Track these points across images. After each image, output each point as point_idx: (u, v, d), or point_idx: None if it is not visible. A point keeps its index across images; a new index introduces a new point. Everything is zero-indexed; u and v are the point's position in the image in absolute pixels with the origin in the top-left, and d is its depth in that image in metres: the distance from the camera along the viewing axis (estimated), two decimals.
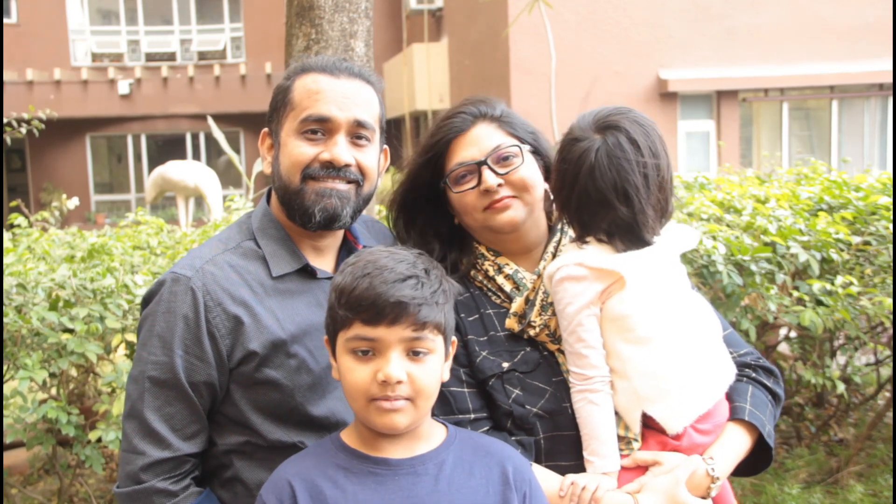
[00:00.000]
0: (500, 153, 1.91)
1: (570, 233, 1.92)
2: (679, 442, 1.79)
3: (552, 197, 1.93)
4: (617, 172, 1.74)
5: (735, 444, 1.86)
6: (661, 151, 1.79)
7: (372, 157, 1.91)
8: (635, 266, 1.77)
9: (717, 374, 1.86)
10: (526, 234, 1.96)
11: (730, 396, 1.89)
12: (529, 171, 1.92)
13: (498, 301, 1.94)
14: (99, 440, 3.24)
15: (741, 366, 1.95)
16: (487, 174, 1.89)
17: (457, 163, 1.93)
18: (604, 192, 1.75)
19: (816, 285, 3.38)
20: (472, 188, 1.90)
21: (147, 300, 1.83)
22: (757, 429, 1.87)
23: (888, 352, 4.14)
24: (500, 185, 1.89)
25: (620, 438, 1.79)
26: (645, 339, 1.76)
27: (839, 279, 3.38)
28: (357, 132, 1.86)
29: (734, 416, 1.87)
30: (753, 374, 1.96)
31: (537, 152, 1.98)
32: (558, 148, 1.86)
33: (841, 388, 3.70)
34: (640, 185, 1.74)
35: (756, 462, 1.91)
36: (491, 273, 1.95)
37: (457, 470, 1.56)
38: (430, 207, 2.01)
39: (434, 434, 1.62)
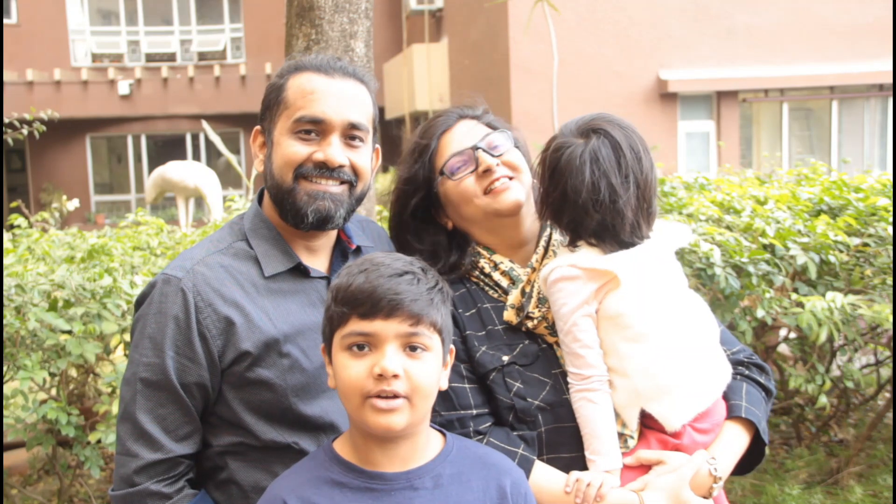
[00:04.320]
0: (489, 141, 1.96)
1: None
2: (680, 440, 1.80)
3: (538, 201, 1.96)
4: (594, 175, 1.77)
5: (735, 443, 1.87)
6: (643, 153, 1.82)
7: (365, 157, 1.91)
8: (628, 264, 1.78)
9: (715, 372, 1.87)
10: (524, 220, 1.97)
11: (725, 395, 1.90)
12: (518, 156, 1.98)
13: (495, 295, 1.95)
14: (98, 441, 3.24)
15: (735, 363, 1.96)
16: (483, 155, 1.93)
17: (450, 153, 1.96)
18: (582, 195, 1.77)
19: (812, 303, 3.33)
20: (471, 172, 1.93)
21: (139, 302, 1.83)
22: (754, 425, 1.89)
23: (888, 352, 4.14)
24: (497, 165, 1.92)
25: (618, 435, 1.79)
26: (642, 335, 1.77)
27: (829, 295, 3.34)
28: (351, 133, 1.86)
29: (732, 413, 1.89)
30: (747, 372, 1.99)
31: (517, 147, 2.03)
32: (541, 154, 1.89)
33: (823, 400, 3.67)
34: (618, 188, 1.76)
35: (750, 458, 1.92)
36: (487, 270, 1.96)
37: (454, 483, 1.55)
38: (427, 215, 2.03)
39: (431, 443, 1.60)
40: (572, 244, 1.86)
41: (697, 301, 1.92)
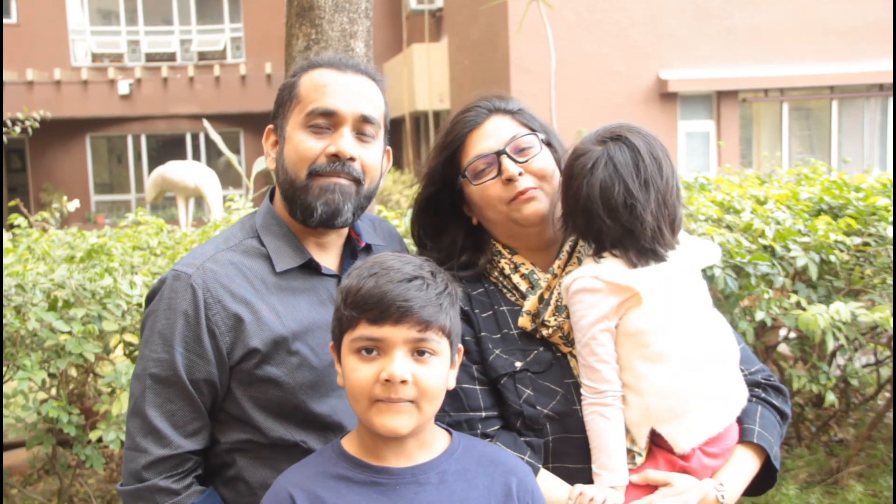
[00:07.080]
0: (517, 143, 1.88)
1: None
2: (688, 463, 1.77)
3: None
4: (607, 177, 1.75)
5: (744, 469, 1.84)
6: (664, 160, 1.79)
7: (375, 154, 1.90)
8: (652, 282, 1.75)
9: (731, 397, 1.84)
10: (547, 228, 1.92)
11: (739, 418, 1.87)
12: (547, 160, 1.91)
13: (513, 298, 1.92)
14: (99, 440, 3.24)
15: (751, 385, 1.92)
16: (507, 163, 1.86)
17: (474, 155, 1.90)
18: (601, 202, 1.75)
19: (815, 307, 3.32)
20: (493, 179, 1.88)
21: (150, 298, 1.84)
22: (765, 450, 1.86)
23: (888, 352, 4.14)
24: (520, 174, 1.86)
25: (626, 451, 1.77)
26: (660, 355, 1.75)
27: (833, 307, 3.33)
28: (362, 128, 1.86)
29: (744, 438, 1.86)
30: (763, 395, 1.94)
31: (550, 146, 1.96)
32: (564, 164, 1.87)
33: (831, 398, 3.67)
34: (635, 191, 1.74)
35: (759, 481, 1.90)
36: (507, 271, 1.93)
37: (459, 480, 1.56)
38: (450, 210, 1.99)
39: (437, 441, 1.61)
40: (597, 255, 1.82)
41: (719, 321, 1.88)
